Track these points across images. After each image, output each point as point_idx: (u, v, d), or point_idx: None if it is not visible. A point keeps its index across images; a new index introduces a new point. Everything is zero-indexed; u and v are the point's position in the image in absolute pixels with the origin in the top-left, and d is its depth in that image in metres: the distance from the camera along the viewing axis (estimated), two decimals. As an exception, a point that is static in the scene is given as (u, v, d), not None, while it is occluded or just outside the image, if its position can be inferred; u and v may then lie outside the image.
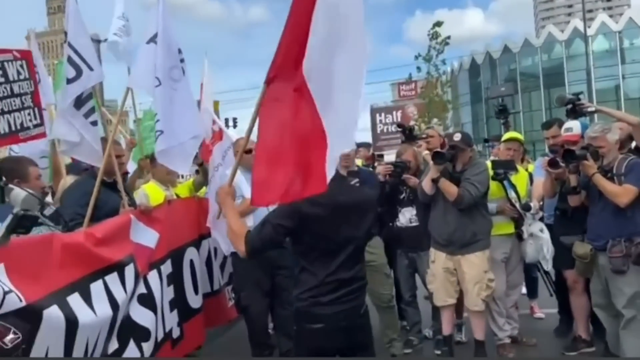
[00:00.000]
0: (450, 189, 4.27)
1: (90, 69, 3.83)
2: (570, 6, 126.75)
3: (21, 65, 4.29)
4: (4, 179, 2.59)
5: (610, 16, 58.36)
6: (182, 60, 4.11)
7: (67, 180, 5.47)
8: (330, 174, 2.25)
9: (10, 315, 2.23)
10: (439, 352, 4.67)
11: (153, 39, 4.05)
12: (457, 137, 4.42)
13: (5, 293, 2.21)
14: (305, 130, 2.27)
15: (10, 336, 2.20)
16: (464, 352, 4.68)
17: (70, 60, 3.80)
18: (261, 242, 2.50)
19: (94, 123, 3.96)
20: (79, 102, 3.86)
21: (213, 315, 4.88)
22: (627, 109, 31.33)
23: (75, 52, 3.82)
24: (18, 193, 2.59)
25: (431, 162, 4.47)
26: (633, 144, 4.44)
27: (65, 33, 3.90)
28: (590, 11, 63.89)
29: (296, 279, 2.62)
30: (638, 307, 3.79)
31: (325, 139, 2.22)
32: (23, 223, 2.37)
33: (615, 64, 51.94)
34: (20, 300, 2.25)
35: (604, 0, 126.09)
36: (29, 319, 2.31)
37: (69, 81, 3.82)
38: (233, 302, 5.22)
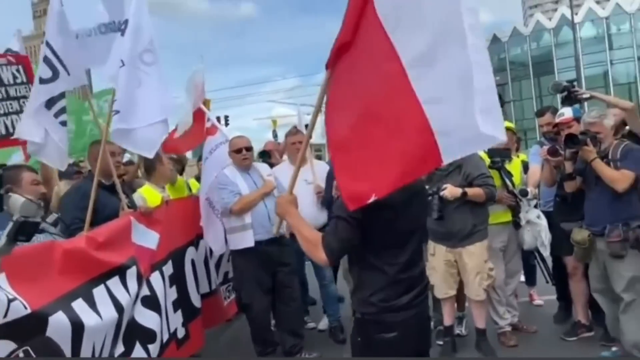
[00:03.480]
0: (477, 193, 4.25)
1: (68, 72, 3.77)
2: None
3: (17, 70, 4.27)
4: (3, 187, 2.55)
5: (597, 2, 58.52)
6: (153, 50, 4.03)
7: (61, 186, 5.45)
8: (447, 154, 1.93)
9: (16, 323, 2.22)
10: (440, 342, 4.69)
11: (123, 28, 3.99)
12: None
13: (10, 301, 2.20)
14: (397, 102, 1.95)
15: None
16: (464, 345, 4.71)
17: (46, 59, 3.74)
18: (340, 242, 2.19)
19: (64, 123, 3.91)
20: (50, 101, 3.82)
21: (212, 315, 4.89)
22: (615, 95, 31.44)
23: (53, 52, 3.76)
24: (16, 199, 2.55)
25: None
26: (626, 129, 4.49)
27: (44, 32, 3.85)
28: (576, -2, 64.02)
29: (358, 280, 2.32)
30: (637, 291, 3.82)
31: (423, 113, 1.90)
32: (24, 230, 2.33)
33: (603, 50, 52.29)
34: (25, 308, 2.23)
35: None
36: (35, 326, 2.31)
37: (42, 81, 3.76)
38: (229, 300, 5.24)
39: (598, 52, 51.80)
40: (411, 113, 1.93)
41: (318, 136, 6.18)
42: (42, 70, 3.75)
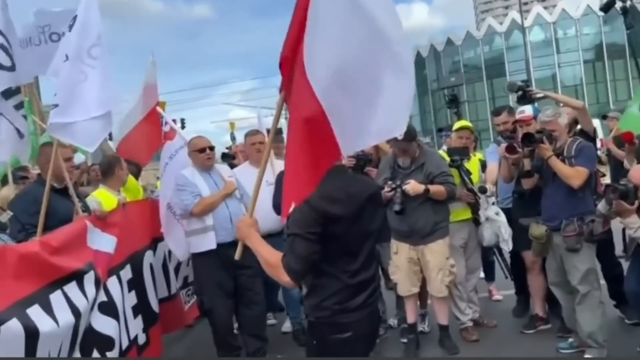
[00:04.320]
0: (439, 190, 4.31)
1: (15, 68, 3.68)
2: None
3: None
4: None
5: (545, 8, 60.85)
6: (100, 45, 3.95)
7: (4, 191, 5.22)
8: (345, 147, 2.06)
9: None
10: (404, 340, 4.73)
11: (71, 24, 3.90)
12: (400, 134, 4.39)
13: None
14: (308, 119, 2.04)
15: None
16: (427, 341, 4.76)
17: (3, 47, 3.65)
18: (299, 260, 2.16)
19: (25, 117, 3.81)
20: (7, 92, 3.71)
21: (171, 320, 4.78)
22: (564, 96, 32.69)
23: (8, 42, 3.66)
24: None
25: (391, 150, 4.51)
26: (578, 127, 4.66)
27: None
28: (525, 3, 66.36)
29: (311, 286, 2.33)
30: (591, 283, 3.96)
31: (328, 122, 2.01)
32: None
33: (551, 54, 54.29)
34: None
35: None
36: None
37: (2, 67, 3.66)
38: (189, 305, 5.13)
39: (546, 56, 53.80)
40: (315, 114, 2.01)
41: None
42: (1, 58, 3.63)
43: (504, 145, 4.44)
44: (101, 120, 3.74)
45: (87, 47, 3.71)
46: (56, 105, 3.60)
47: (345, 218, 2.21)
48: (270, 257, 2.24)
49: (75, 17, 3.78)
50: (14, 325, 2.34)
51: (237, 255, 2.46)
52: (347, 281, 2.25)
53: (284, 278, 2.18)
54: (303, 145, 2.06)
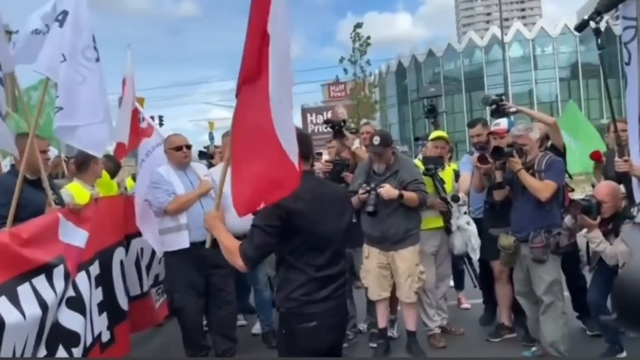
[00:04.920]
0: (411, 197, 4.38)
1: None
2: (488, 14, 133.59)
3: None
4: None
5: (525, 25, 62.08)
6: (95, 47, 3.94)
7: None
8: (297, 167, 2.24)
9: None
10: (374, 345, 4.78)
11: (57, 18, 3.86)
12: (377, 140, 4.46)
13: None
14: (262, 127, 2.23)
15: None
16: (396, 347, 4.82)
17: None
18: (255, 249, 2.41)
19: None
20: None
21: (142, 319, 4.73)
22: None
23: None
24: None
25: (367, 156, 4.57)
26: (549, 143, 4.79)
27: None
28: (506, 19, 67.62)
29: (281, 279, 2.55)
30: (555, 294, 4.07)
31: (276, 136, 2.19)
32: None
33: (529, 70, 55.38)
34: None
35: (519, 9, 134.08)
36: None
37: None
38: (159, 303, 5.10)
39: (524, 72, 54.87)
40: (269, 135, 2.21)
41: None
42: None
43: (476, 154, 4.55)
44: (104, 126, 3.81)
45: (81, 48, 3.71)
46: (60, 108, 3.61)
47: (308, 215, 2.44)
48: (229, 244, 2.47)
49: (65, 12, 3.75)
50: None
51: (207, 244, 2.72)
52: (313, 274, 2.47)
53: (239, 262, 2.41)
54: (268, 151, 2.22)
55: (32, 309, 2.77)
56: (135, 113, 4.88)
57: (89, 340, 3.63)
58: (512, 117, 4.94)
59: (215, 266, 4.40)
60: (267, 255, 2.55)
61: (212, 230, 2.60)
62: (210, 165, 5.23)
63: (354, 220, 4.73)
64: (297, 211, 2.40)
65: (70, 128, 3.65)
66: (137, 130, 4.95)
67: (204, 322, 4.77)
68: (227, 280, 4.56)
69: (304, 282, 2.46)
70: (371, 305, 4.87)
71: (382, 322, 4.68)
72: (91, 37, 3.79)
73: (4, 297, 2.53)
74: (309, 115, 39.65)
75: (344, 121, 5.34)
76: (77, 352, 3.35)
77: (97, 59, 3.80)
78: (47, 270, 3.02)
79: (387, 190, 4.34)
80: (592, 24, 3.44)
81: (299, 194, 2.32)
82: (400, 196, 4.35)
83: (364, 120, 7.16)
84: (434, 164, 4.89)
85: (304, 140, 2.69)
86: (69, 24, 3.69)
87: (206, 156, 6.13)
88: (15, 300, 2.62)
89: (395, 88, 59.40)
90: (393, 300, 4.83)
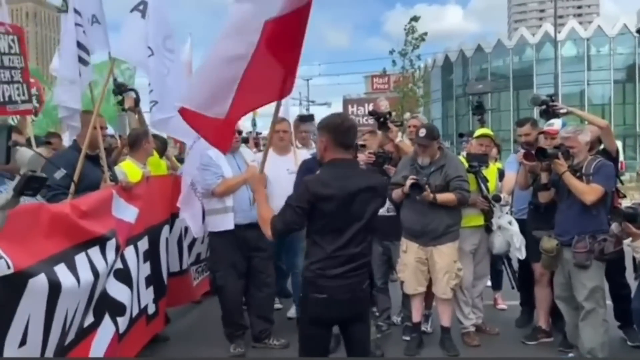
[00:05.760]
0: (448, 198, 4.39)
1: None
2: (542, 10, 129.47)
3: (12, 40, 4.19)
4: (12, 139, 2.45)
5: (580, 23, 59.79)
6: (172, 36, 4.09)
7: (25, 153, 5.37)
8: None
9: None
10: (407, 338, 4.81)
11: (137, 7, 3.99)
12: (422, 132, 4.47)
13: None
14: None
15: None
16: (428, 342, 4.83)
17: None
18: (284, 224, 2.73)
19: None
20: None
21: (179, 294, 4.92)
22: (590, 114, 32.20)
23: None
24: (24, 153, 2.47)
25: (412, 149, 4.55)
26: (602, 146, 4.67)
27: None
28: (561, 17, 65.36)
29: (307, 251, 2.87)
30: (597, 300, 3.99)
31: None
32: (31, 184, 2.23)
33: (582, 70, 53.36)
34: (9, 267, 2.23)
35: (575, 7, 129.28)
36: (13, 286, 2.31)
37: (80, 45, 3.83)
38: (198, 281, 5.27)
39: (577, 72, 52.90)
40: None
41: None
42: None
43: (521, 151, 4.48)
44: None
45: (162, 40, 3.86)
46: (155, 102, 3.78)
47: (334, 200, 2.69)
48: (265, 213, 2.81)
49: (144, 3, 3.89)
50: (41, 279, 2.46)
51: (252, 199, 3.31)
52: (330, 253, 2.74)
53: (268, 232, 2.77)
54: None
55: (86, 277, 2.93)
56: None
57: (135, 312, 3.82)
58: (564, 119, 4.83)
59: (257, 249, 4.53)
60: (292, 232, 2.90)
61: (254, 191, 2.98)
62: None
63: (394, 214, 4.78)
64: (324, 195, 2.69)
65: (165, 120, 3.84)
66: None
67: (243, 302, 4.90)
68: (267, 263, 4.68)
69: (321, 258, 2.75)
70: (406, 298, 4.88)
71: (416, 317, 4.71)
72: (170, 26, 3.95)
73: (63, 265, 2.69)
74: (350, 106, 39.58)
75: (389, 113, 5.32)
76: (122, 321, 3.54)
77: (176, 49, 3.99)
78: (101, 242, 3.20)
79: (425, 196, 4.36)
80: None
81: (327, 181, 2.71)
82: (435, 199, 4.36)
83: (407, 114, 7.10)
84: (478, 162, 4.85)
85: (350, 130, 2.83)
86: (151, 16, 3.83)
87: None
88: (73, 268, 2.78)
89: (441, 83, 58.34)
90: (428, 296, 4.84)
